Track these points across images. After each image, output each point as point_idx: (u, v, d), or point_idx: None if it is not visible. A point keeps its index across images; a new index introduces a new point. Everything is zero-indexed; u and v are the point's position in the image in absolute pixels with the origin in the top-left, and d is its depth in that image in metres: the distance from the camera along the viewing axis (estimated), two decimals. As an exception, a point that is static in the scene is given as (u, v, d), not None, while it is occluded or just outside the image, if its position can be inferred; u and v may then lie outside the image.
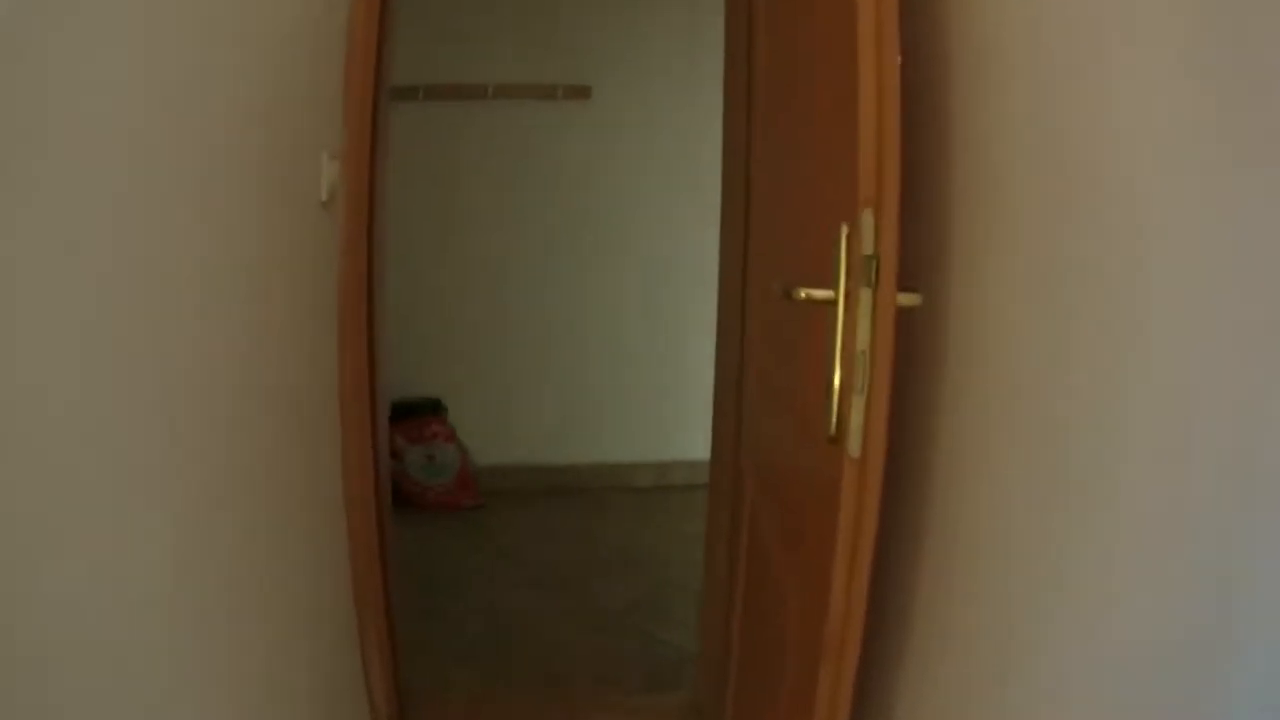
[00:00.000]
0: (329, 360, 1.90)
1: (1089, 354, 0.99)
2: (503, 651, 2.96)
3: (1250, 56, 0.76)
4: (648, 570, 3.56)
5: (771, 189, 1.89)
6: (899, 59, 1.17)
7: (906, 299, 1.20)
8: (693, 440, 4.30)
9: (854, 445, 1.19)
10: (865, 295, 1.18)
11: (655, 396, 4.35)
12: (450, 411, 4.19)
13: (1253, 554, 0.76)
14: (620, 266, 4.22)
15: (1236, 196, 0.78)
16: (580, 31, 4.04)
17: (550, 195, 4.11)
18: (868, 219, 1.17)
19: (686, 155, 4.04)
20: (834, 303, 1.21)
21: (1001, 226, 1.21)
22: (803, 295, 1.27)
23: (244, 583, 1.45)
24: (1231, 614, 0.78)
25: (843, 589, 1.22)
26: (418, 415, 4.05)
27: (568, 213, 4.14)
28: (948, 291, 1.33)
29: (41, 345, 0.97)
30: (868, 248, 1.17)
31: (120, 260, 1.09)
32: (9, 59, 0.88)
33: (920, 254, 1.36)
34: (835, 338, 1.20)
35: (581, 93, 4.05)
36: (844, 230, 1.21)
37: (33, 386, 0.95)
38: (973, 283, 1.29)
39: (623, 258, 4.20)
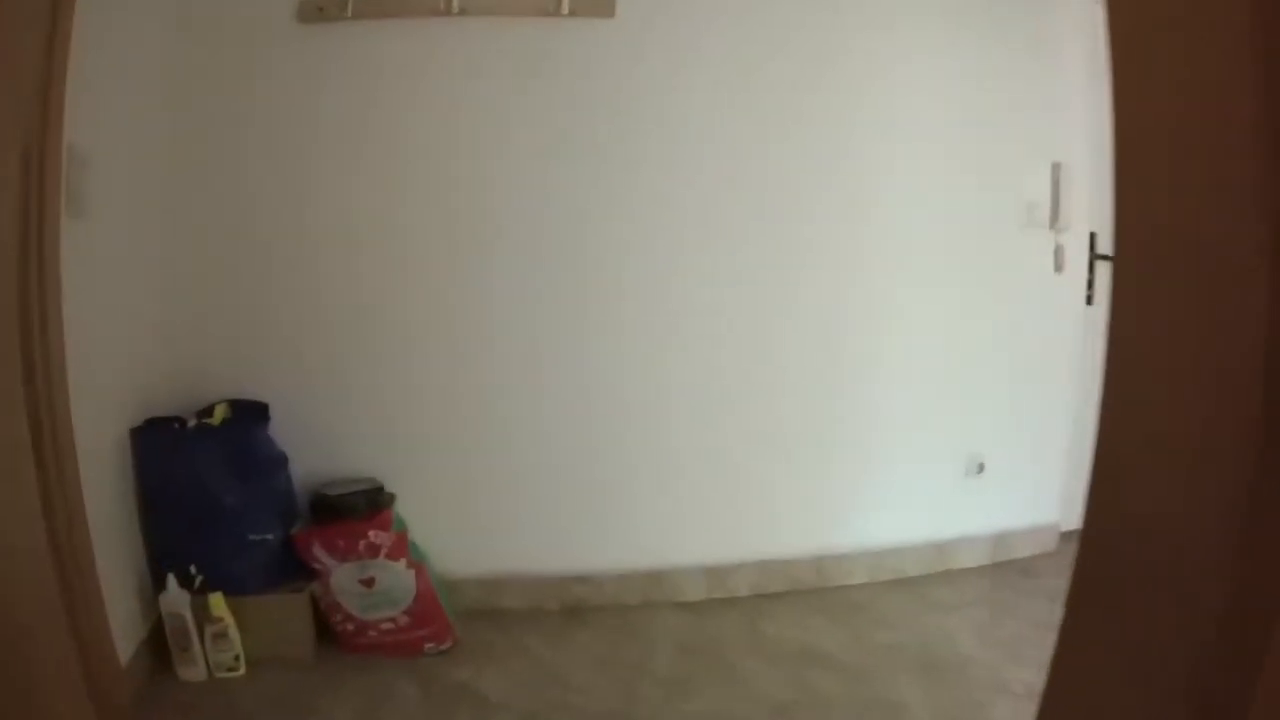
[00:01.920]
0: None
1: None
2: None
3: None
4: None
5: None
6: None
7: None
8: (770, 528, 3.03)
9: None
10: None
11: (711, 465, 3.01)
12: (400, 502, 2.78)
13: None
14: (645, 276, 2.91)
15: None
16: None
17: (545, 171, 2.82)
18: None
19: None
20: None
21: None
22: None
23: None
24: None
25: None
26: (347, 515, 2.64)
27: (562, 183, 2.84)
28: None
29: None
30: None
31: None
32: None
33: None
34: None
35: (601, 7, 2.79)
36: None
37: None
38: None
39: (645, 261, 2.90)
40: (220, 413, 2.62)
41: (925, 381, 3.09)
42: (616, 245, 2.85)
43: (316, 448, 2.79)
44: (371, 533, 2.61)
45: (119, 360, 2.43)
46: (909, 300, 3.05)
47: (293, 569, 2.62)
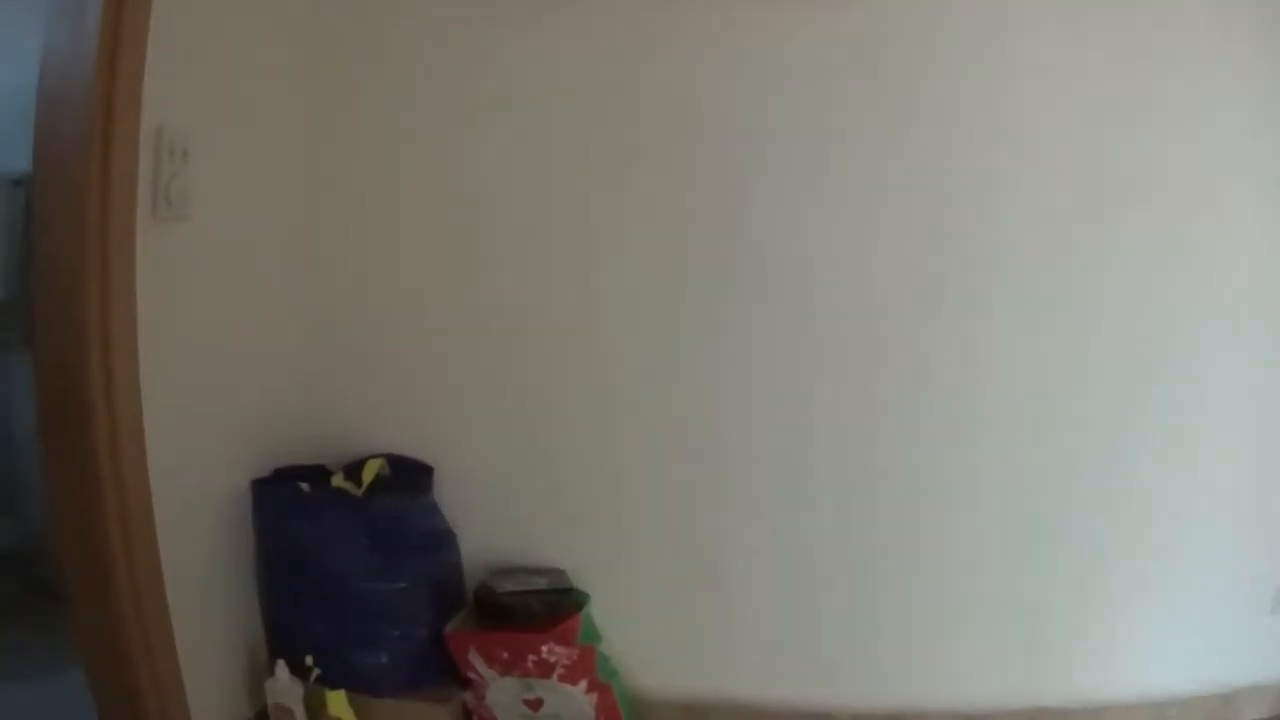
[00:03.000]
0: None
1: None
2: None
3: None
4: None
5: None
6: None
7: None
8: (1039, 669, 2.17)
9: None
10: None
11: (976, 592, 2.18)
12: (592, 600, 2.16)
13: None
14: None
15: None
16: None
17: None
18: None
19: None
20: None
21: None
22: None
23: None
24: None
25: None
26: (519, 621, 2.04)
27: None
28: None
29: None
30: None
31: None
32: None
33: None
34: None
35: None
36: None
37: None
38: None
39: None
40: (373, 470, 2.09)
41: (1224, 502, 2.17)
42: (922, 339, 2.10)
43: (490, 521, 2.20)
44: (546, 647, 1.99)
45: (243, 395, 1.96)
46: (1216, 409, 2.13)
47: (441, 670, 2.05)
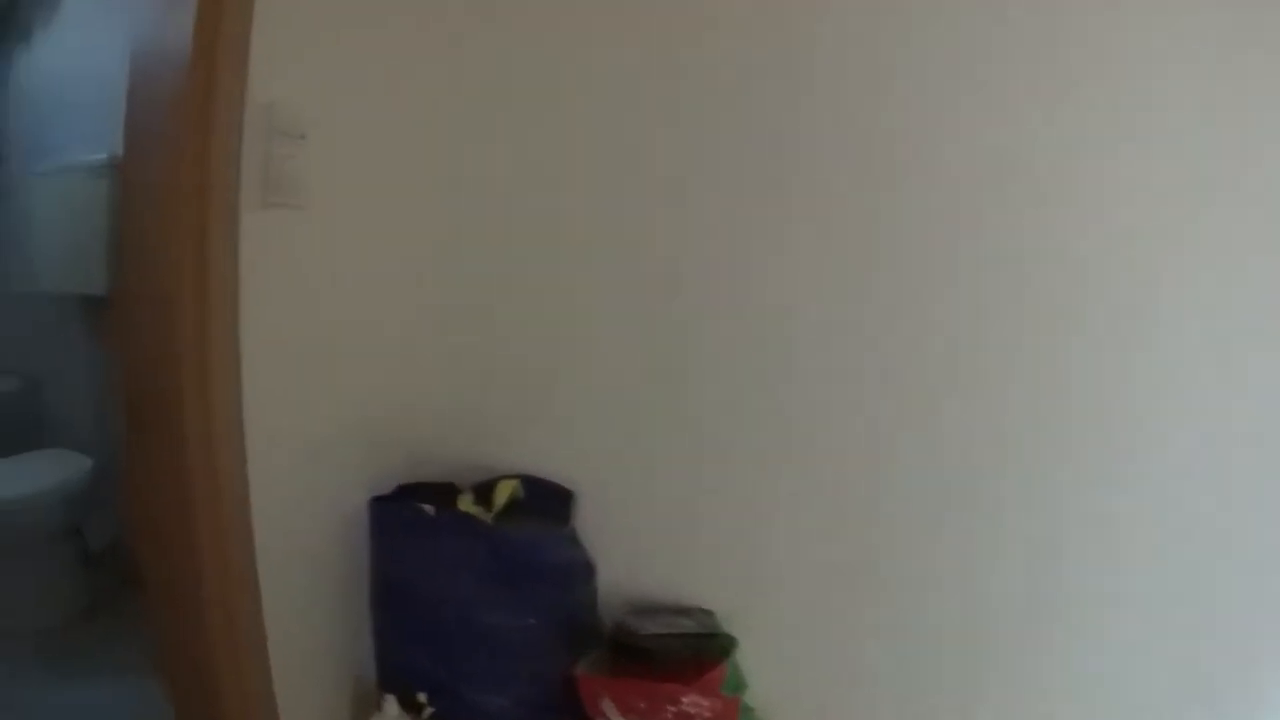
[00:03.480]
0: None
1: None
2: None
3: None
4: None
5: None
6: None
7: None
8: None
9: None
10: None
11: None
12: (740, 647, 1.90)
13: None
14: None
15: None
16: None
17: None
18: None
19: None
20: None
21: None
22: None
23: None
24: None
25: None
26: (659, 665, 1.81)
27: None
28: None
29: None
30: None
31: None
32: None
33: None
34: None
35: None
36: None
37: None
38: None
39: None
40: (506, 492, 1.92)
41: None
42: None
43: (632, 554, 1.98)
44: (689, 698, 1.74)
45: (363, 404, 1.82)
46: None
47: (567, 715, 1.83)
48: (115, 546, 2.94)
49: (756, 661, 1.89)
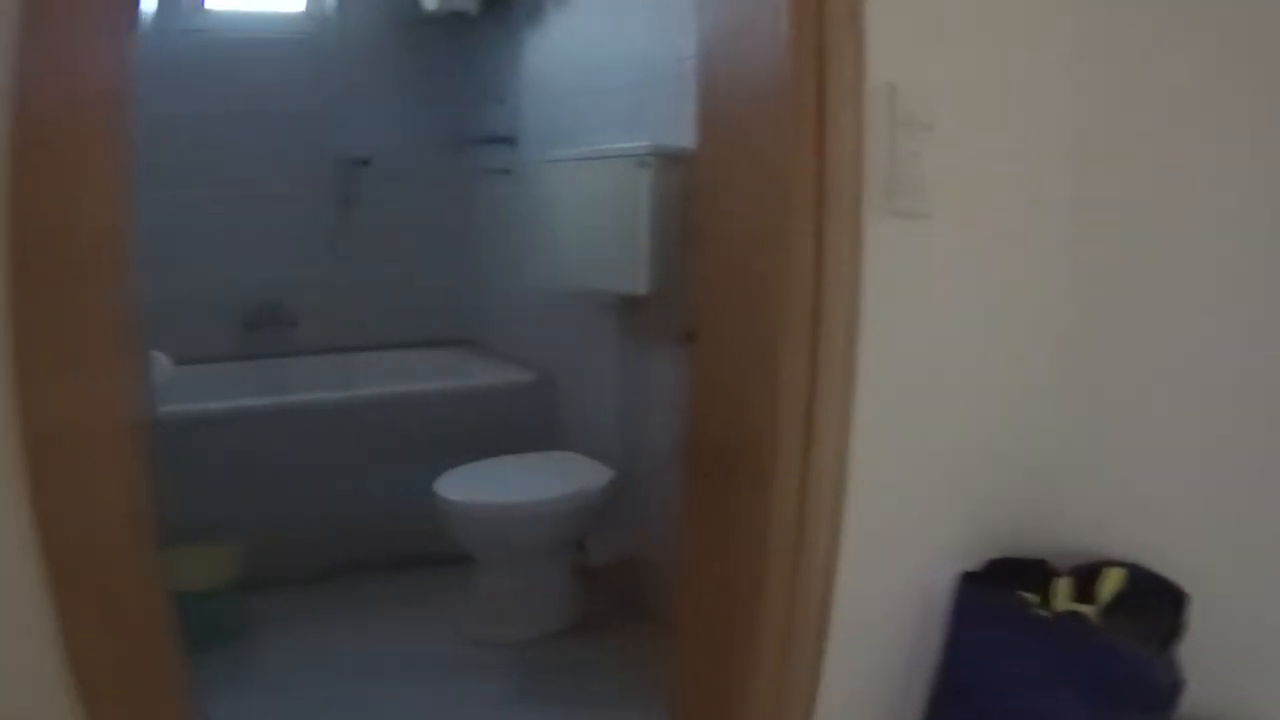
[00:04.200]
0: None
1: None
2: None
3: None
4: None
5: None
6: None
7: None
8: None
9: None
10: None
11: None
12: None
13: None
14: None
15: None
16: None
17: None
18: None
19: None
20: None
21: None
22: None
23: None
24: None
25: None
26: None
27: None
28: None
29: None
30: None
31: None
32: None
33: None
34: None
35: None
36: None
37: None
38: None
39: None
40: (1113, 585, 1.48)
41: None
42: None
43: (1256, 677, 1.44)
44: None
45: (966, 457, 1.49)
46: None
47: None
48: (615, 565, 2.85)
49: None
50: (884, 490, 1.32)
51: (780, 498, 1.17)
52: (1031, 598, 1.40)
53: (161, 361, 2.23)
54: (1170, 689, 1.44)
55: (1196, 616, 1.45)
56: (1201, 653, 1.44)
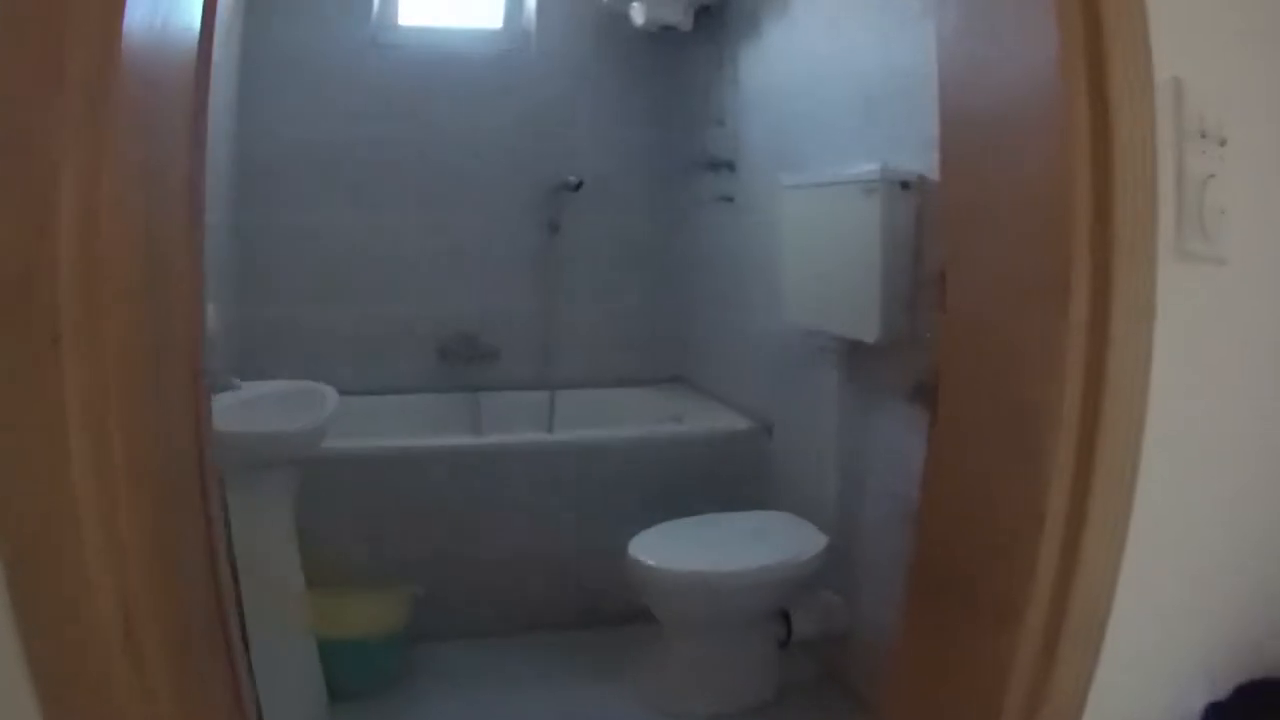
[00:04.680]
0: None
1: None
2: None
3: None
4: None
5: None
6: None
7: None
8: None
9: None
10: None
11: None
12: None
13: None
14: None
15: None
16: None
17: None
18: None
19: None
20: None
21: None
22: None
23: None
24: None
25: None
26: None
27: None
28: None
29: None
30: None
31: None
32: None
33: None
34: None
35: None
36: None
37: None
38: None
39: None
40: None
41: None
42: None
43: None
44: None
45: (1225, 564, 1.11)
46: None
47: None
48: (818, 642, 2.54)
49: None
50: (1153, 620, 0.99)
51: (1029, 631, 0.87)
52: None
53: (329, 395, 2.15)
54: None
55: None
56: None
